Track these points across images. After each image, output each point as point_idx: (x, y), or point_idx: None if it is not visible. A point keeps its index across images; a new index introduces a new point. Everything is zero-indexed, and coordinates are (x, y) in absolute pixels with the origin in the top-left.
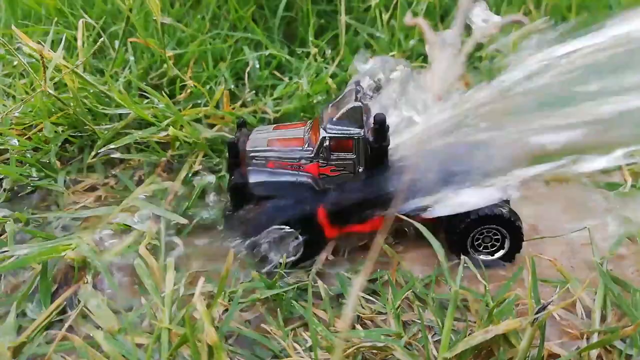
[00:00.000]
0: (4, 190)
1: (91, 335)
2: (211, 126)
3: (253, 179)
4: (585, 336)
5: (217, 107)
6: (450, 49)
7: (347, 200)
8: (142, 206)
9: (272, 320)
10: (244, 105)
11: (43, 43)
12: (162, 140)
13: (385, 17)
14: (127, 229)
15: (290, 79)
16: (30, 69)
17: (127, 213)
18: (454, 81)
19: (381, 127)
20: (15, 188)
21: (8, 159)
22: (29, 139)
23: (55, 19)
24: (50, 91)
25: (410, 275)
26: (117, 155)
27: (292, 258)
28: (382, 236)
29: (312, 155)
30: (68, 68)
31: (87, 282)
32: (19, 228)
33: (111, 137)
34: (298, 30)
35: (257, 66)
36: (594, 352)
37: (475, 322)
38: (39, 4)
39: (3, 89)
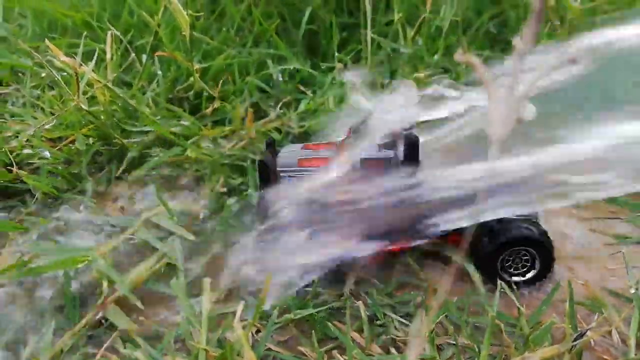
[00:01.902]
0: (35, 200)
1: (129, 354)
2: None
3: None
4: None
5: (242, 121)
6: (508, 89)
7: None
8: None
9: (306, 341)
10: (269, 121)
11: (74, 56)
12: (188, 159)
13: (411, 33)
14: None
15: (314, 92)
16: (62, 82)
17: (147, 228)
18: (513, 123)
19: (413, 148)
20: (46, 199)
21: (38, 168)
22: (60, 150)
23: (85, 33)
24: (84, 106)
25: (445, 300)
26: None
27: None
28: (449, 282)
29: None
30: (100, 82)
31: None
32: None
33: (140, 150)
34: (321, 44)
35: (281, 79)
36: None
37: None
38: (66, 16)
39: (32, 101)
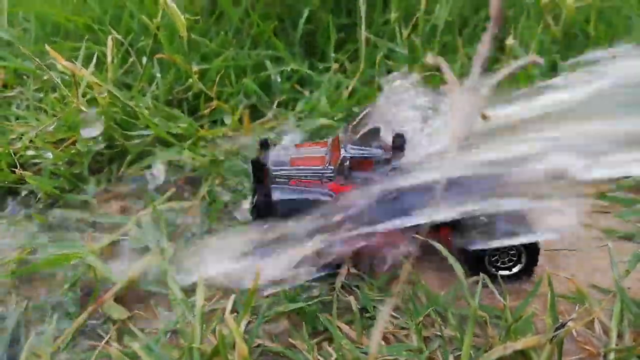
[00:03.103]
0: (38, 200)
1: (128, 345)
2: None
3: (276, 196)
4: (602, 354)
5: (239, 121)
6: (470, 92)
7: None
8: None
9: (296, 334)
10: (266, 121)
11: (74, 61)
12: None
13: (406, 32)
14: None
15: (311, 92)
16: (62, 85)
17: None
18: (474, 123)
19: (400, 147)
20: (48, 200)
21: (41, 170)
22: (62, 151)
23: (87, 36)
24: (84, 108)
25: (430, 293)
26: (143, 169)
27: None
28: (410, 260)
29: (333, 174)
30: (100, 85)
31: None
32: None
33: (139, 150)
34: (318, 44)
35: (279, 80)
36: None
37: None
38: (68, 20)
39: (35, 104)
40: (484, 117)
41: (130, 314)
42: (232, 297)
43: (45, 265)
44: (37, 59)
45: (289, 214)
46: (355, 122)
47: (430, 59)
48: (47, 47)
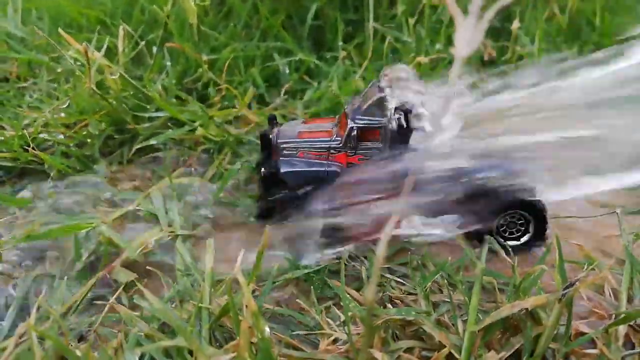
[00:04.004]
0: (51, 178)
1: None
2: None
3: (284, 168)
4: (612, 316)
5: (249, 107)
6: (473, 18)
7: None
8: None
9: (305, 300)
10: (274, 107)
11: (88, 44)
12: (196, 139)
13: (412, 21)
14: (153, 216)
15: (319, 83)
16: (74, 65)
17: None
18: (476, 45)
19: (405, 117)
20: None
21: (53, 153)
22: (75, 132)
23: (98, 27)
24: (94, 87)
25: (433, 261)
26: (153, 153)
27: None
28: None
29: (341, 145)
30: (111, 67)
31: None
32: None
33: (150, 134)
34: (326, 38)
35: (287, 71)
36: (622, 330)
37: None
38: (81, 14)
39: (48, 92)
40: (490, 54)
41: (136, 276)
42: (242, 253)
43: (57, 233)
44: (54, 42)
45: (296, 186)
46: (361, 94)
47: None
48: (61, 31)
